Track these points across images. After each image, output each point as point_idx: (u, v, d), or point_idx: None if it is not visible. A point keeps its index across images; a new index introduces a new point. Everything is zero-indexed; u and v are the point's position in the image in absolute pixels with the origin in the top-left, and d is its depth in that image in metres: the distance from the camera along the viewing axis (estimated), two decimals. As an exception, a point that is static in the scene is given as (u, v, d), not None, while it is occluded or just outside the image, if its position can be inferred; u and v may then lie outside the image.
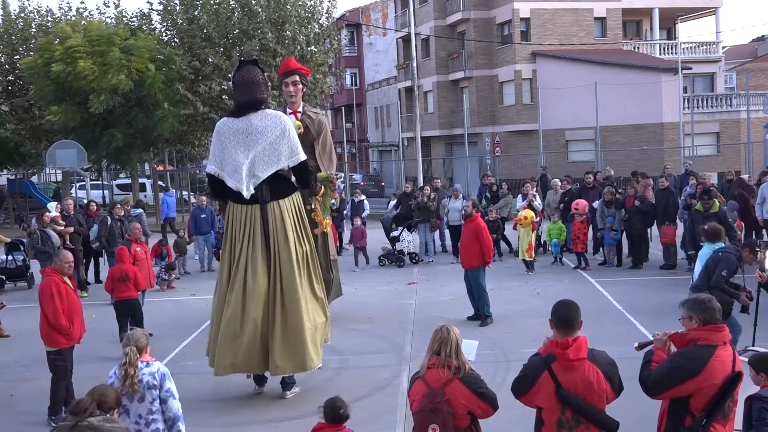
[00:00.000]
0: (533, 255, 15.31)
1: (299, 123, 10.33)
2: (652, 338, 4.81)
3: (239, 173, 8.08)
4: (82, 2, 46.17)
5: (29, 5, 30.11)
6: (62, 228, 14.47)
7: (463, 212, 11.67)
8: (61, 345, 7.83)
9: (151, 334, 11.14)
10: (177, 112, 24.86)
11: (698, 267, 9.91)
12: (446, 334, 4.70)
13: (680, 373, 4.32)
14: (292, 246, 8.11)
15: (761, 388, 4.80)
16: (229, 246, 8.21)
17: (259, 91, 8.26)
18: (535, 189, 18.03)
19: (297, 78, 10.19)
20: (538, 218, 16.27)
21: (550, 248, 16.76)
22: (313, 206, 10.00)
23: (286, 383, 8.49)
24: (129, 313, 10.33)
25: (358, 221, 17.54)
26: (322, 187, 9.99)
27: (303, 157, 8.38)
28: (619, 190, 16.95)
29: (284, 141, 8.18)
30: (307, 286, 8.25)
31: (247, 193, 8.07)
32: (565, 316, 4.37)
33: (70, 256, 8.09)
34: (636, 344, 5.06)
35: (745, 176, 17.23)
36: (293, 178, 8.60)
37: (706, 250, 9.68)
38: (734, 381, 4.36)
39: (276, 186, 8.20)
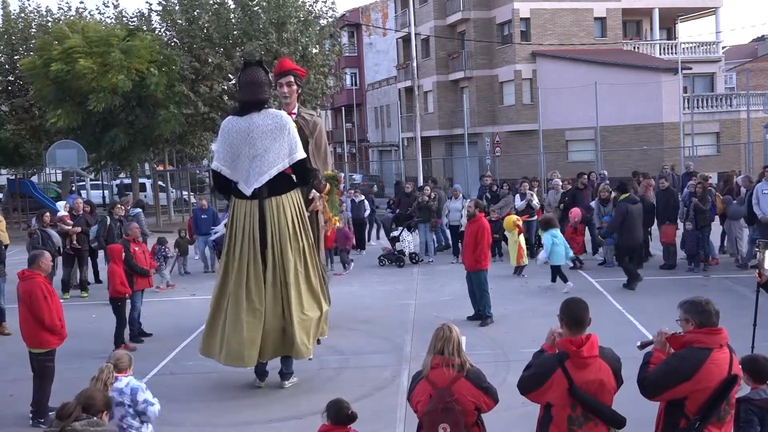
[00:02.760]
0: (521, 261, 14.93)
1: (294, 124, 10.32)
2: (652, 338, 4.80)
3: (242, 170, 8.39)
4: (81, 2, 46.23)
5: (29, 5, 30.14)
6: (70, 228, 14.46)
7: (466, 212, 11.61)
8: (52, 345, 7.77)
9: (150, 334, 11.26)
10: (179, 114, 24.84)
11: (546, 250, 13.34)
12: (448, 332, 4.69)
13: (674, 376, 4.30)
14: (291, 240, 8.35)
15: (751, 390, 4.82)
16: (232, 239, 8.48)
17: (262, 92, 8.53)
18: (536, 188, 18.01)
19: (292, 79, 9.99)
20: (537, 216, 16.08)
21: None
22: (318, 204, 9.99)
23: (284, 374, 8.68)
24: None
25: (342, 223, 16.41)
26: (328, 184, 9.97)
27: (303, 155, 8.62)
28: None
29: (285, 139, 8.43)
30: (304, 280, 8.46)
31: (248, 190, 8.34)
32: (576, 315, 4.39)
33: (49, 255, 8.09)
34: (638, 343, 5.07)
35: (745, 176, 17.22)
36: (294, 176, 8.75)
37: (546, 236, 13.30)
38: (730, 384, 4.32)
39: (275, 182, 8.42)
